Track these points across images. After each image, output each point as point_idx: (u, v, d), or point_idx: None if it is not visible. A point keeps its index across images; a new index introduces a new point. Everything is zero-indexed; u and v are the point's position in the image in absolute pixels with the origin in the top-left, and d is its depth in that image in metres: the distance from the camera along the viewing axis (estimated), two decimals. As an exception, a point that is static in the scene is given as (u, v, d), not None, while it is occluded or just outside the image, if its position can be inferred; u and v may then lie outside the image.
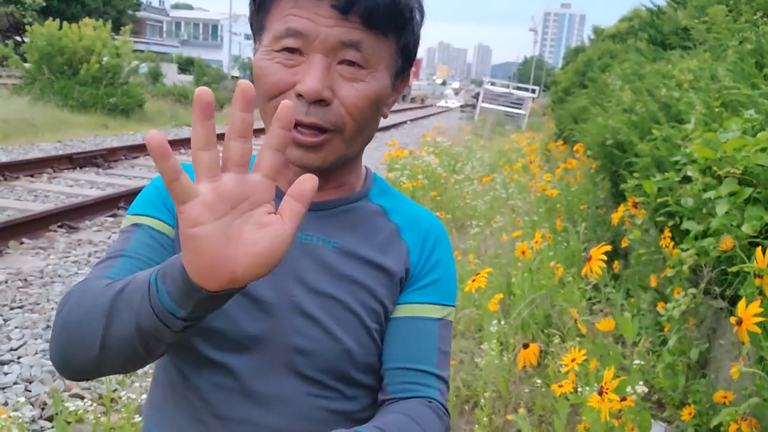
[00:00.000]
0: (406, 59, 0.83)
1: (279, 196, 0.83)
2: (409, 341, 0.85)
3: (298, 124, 0.76)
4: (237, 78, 28.05)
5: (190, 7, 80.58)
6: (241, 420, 0.81)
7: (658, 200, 2.76)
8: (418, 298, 0.86)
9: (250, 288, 0.80)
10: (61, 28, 13.79)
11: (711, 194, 2.03)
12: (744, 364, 1.97)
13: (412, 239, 0.88)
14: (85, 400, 2.00)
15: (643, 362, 2.47)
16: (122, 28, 15.04)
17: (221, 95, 20.28)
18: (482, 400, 2.56)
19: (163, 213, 0.85)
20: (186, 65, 30.78)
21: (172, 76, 23.11)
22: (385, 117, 0.85)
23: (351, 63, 0.76)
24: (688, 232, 2.58)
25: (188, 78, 24.80)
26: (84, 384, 2.68)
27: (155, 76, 20.19)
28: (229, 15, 42.64)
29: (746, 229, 1.87)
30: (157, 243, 0.83)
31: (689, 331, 2.75)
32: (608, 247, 2.30)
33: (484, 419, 2.49)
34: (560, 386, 2.16)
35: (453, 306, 0.89)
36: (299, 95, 0.75)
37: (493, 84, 25.60)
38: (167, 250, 0.83)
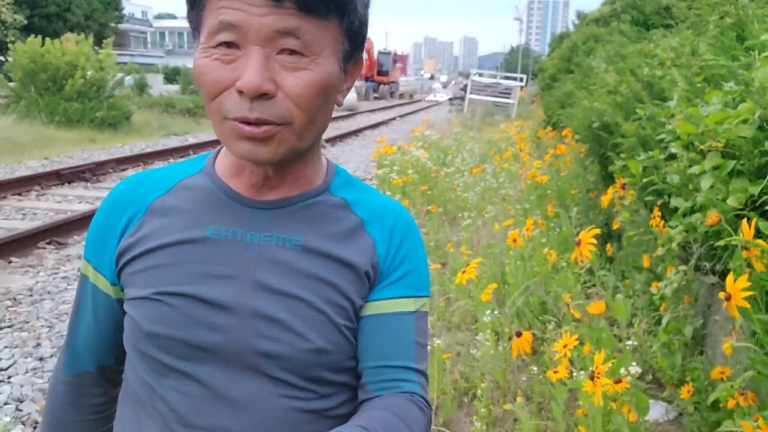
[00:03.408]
0: (353, 42, 0.78)
1: (239, 201, 0.83)
2: (386, 338, 0.83)
3: (244, 121, 0.72)
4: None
5: (173, 17, 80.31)
6: (212, 428, 0.79)
7: (645, 179, 2.74)
8: (391, 293, 0.84)
9: (207, 295, 0.79)
10: (43, 44, 13.71)
11: (695, 169, 2.00)
12: (737, 339, 1.95)
13: (377, 233, 0.85)
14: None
15: (637, 343, 2.44)
16: (105, 41, 14.96)
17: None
18: (480, 391, 2.54)
19: (103, 263, 0.86)
20: (172, 75, 30.67)
21: (158, 86, 23.02)
22: (339, 105, 0.81)
23: (291, 51, 0.72)
24: (677, 209, 2.56)
25: (175, 87, 24.69)
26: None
27: (141, 87, 20.10)
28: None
29: (732, 202, 1.85)
30: (100, 309, 0.88)
31: (684, 309, 2.73)
32: (597, 231, 2.28)
33: (483, 410, 2.46)
34: (555, 372, 2.14)
35: (427, 296, 0.87)
36: (240, 91, 0.71)
37: (480, 75, 25.53)
38: (112, 311, 0.88)
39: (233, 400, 0.78)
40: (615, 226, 3.84)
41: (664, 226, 2.82)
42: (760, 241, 1.48)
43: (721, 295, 1.44)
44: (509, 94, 21.58)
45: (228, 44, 0.72)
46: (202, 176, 0.86)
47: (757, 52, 2.27)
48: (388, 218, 0.87)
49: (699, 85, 2.93)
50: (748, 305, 1.37)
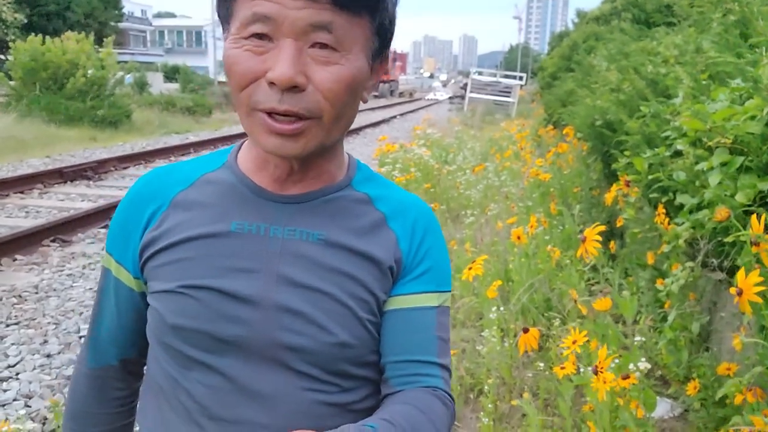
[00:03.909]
0: (382, 39, 0.79)
1: (262, 195, 0.83)
2: (409, 333, 0.83)
3: (272, 113, 0.73)
4: (223, 83, 27.96)
5: (173, 15, 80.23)
6: (236, 420, 0.79)
7: (650, 177, 2.75)
8: (414, 288, 0.84)
9: (231, 288, 0.79)
10: (44, 43, 13.71)
11: (703, 166, 2.01)
12: (745, 334, 1.95)
13: (400, 228, 0.86)
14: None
15: (645, 339, 2.45)
16: (105, 39, 14.95)
17: (208, 101, 20.23)
18: (486, 387, 2.55)
19: (126, 256, 0.86)
20: (172, 73, 30.64)
21: (158, 84, 22.98)
22: (365, 102, 0.82)
23: (323, 46, 0.72)
24: (682, 206, 2.57)
25: (175, 86, 24.67)
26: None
27: (141, 85, 20.08)
28: (212, 20, 42.51)
29: (740, 198, 1.86)
30: (123, 302, 0.89)
31: (690, 305, 2.73)
32: (602, 227, 2.28)
33: (489, 406, 2.47)
34: (562, 368, 2.15)
35: (449, 291, 0.88)
36: (271, 83, 0.72)
37: (480, 74, 25.51)
38: (135, 304, 0.88)
39: (257, 393, 0.79)
40: (619, 224, 3.85)
41: (669, 223, 2.83)
42: (770, 237, 1.48)
43: (733, 290, 1.45)
44: (509, 92, 21.57)
45: (260, 36, 0.72)
46: (224, 171, 0.86)
47: (764, 49, 2.27)
48: (410, 213, 0.87)
49: (704, 82, 2.94)
50: (760, 300, 1.37)
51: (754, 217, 1.54)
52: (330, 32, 0.72)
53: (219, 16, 0.79)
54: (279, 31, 0.72)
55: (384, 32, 0.78)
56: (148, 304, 0.86)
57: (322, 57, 0.73)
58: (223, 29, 0.79)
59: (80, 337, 3.43)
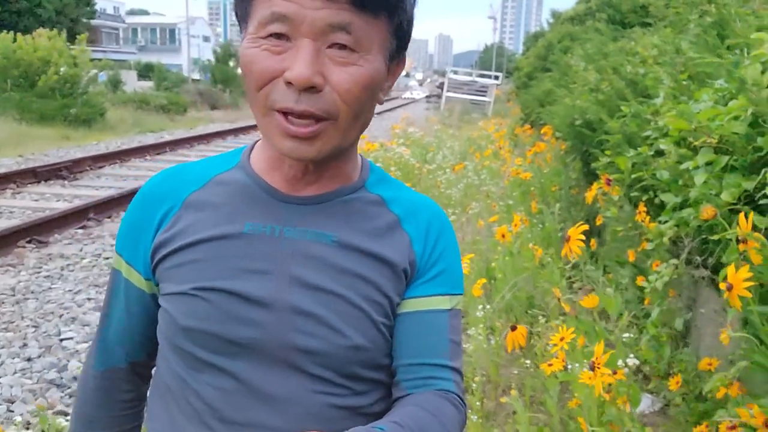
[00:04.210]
0: (400, 40, 0.78)
1: (276, 196, 0.83)
2: (422, 336, 0.83)
3: (289, 113, 0.73)
4: (198, 81, 27.70)
5: (145, 13, 79.15)
6: (248, 423, 0.79)
7: (633, 176, 2.79)
8: (427, 291, 0.84)
9: (244, 290, 0.79)
10: (15, 40, 13.43)
11: (688, 165, 2.05)
12: (723, 330, 1.99)
13: (414, 230, 0.85)
14: (68, 418, 1.94)
15: (634, 335, 2.49)
16: (78, 37, 14.70)
17: (183, 99, 20.01)
18: (473, 385, 2.56)
19: (137, 257, 0.86)
20: (145, 71, 30.26)
21: (132, 83, 22.69)
22: (381, 103, 0.81)
23: (342, 46, 0.72)
24: (662, 205, 2.61)
25: (149, 84, 24.37)
26: (68, 400, 2.62)
27: (115, 84, 19.80)
28: (186, 18, 42.05)
29: (725, 196, 1.89)
30: (133, 304, 0.88)
31: (670, 302, 2.78)
32: (586, 227, 2.31)
33: (477, 403, 2.49)
34: (550, 365, 2.17)
35: (461, 294, 0.87)
36: (288, 83, 0.71)
37: (456, 73, 25.63)
38: (145, 306, 0.88)
39: (269, 396, 0.78)
40: (598, 222, 3.90)
41: (650, 222, 2.88)
42: (758, 235, 1.52)
43: (722, 285, 1.48)
44: (485, 92, 21.71)
45: (278, 35, 0.72)
46: (237, 171, 0.86)
47: (745, 50, 2.32)
48: (424, 216, 0.87)
49: (684, 82, 2.99)
50: (750, 295, 1.40)
51: (741, 215, 1.57)
52: (349, 33, 0.71)
53: (236, 15, 0.79)
54: (297, 31, 0.71)
55: (402, 33, 0.78)
56: (159, 306, 0.85)
57: (340, 58, 0.72)
58: (240, 28, 0.79)
59: (61, 341, 3.38)
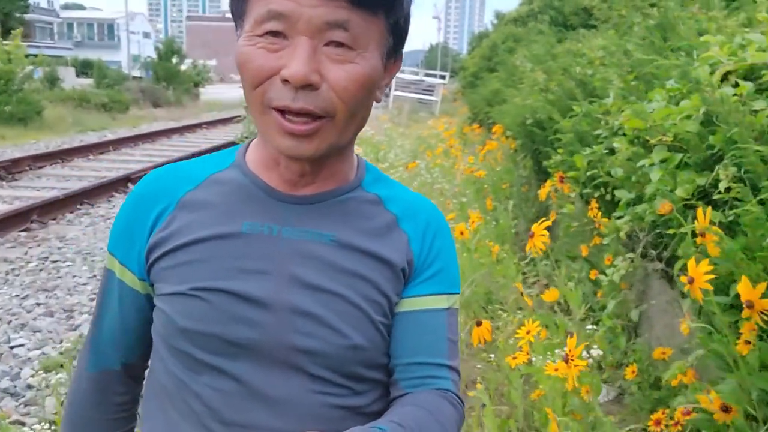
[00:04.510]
0: (397, 38, 0.78)
1: (274, 196, 0.82)
2: (420, 335, 0.83)
3: (286, 111, 0.72)
4: (139, 78, 26.95)
5: (81, 7, 76.54)
6: (248, 424, 0.78)
7: (589, 173, 2.88)
8: (425, 290, 0.84)
9: (243, 291, 0.78)
10: (-58, 34, 12.80)
11: (644, 162, 2.13)
12: (683, 320, 2.09)
13: (412, 229, 0.85)
14: (25, 428, 1.89)
15: (593, 327, 2.57)
16: (12, 31, 14.10)
17: (125, 97, 19.44)
18: (438, 381, 2.59)
19: (131, 257, 0.84)
20: (84, 68, 29.26)
21: (70, 80, 21.88)
22: (378, 101, 0.81)
23: (339, 44, 0.72)
24: (614, 201, 2.71)
25: (88, 81, 23.56)
26: (23, 409, 2.53)
27: (52, 80, 19.07)
28: (125, 13, 40.88)
29: (680, 192, 1.98)
30: (127, 305, 0.87)
31: (623, 295, 2.89)
32: (549, 222, 2.38)
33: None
34: (514, 358, 2.22)
35: (458, 293, 0.88)
36: (285, 81, 0.71)
37: (402, 72, 25.78)
38: (139, 307, 0.86)
39: (269, 397, 0.78)
40: (552, 218, 4.00)
41: (602, 217, 2.98)
42: (716, 228, 1.60)
43: (683, 279, 1.55)
44: (432, 91, 21.90)
45: (275, 33, 0.72)
46: (233, 170, 0.85)
47: (694, 53, 2.43)
48: (421, 214, 0.87)
49: (633, 83, 3.11)
50: (711, 287, 1.48)
51: (700, 210, 1.65)
52: (346, 30, 0.71)
53: (232, 12, 0.78)
54: (294, 28, 0.71)
55: (399, 31, 0.78)
56: (153, 307, 0.84)
57: (337, 55, 0.72)
58: (236, 26, 0.78)
59: (11, 347, 3.25)
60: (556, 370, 1.87)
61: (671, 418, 1.88)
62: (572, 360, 1.68)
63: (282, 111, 0.73)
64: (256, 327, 0.78)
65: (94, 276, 4.43)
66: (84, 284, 4.29)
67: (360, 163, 0.88)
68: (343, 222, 0.82)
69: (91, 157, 10.01)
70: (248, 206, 0.82)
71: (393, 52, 0.79)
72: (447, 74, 28.20)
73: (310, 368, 0.78)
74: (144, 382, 0.92)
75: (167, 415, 0.82)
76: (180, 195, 0.83)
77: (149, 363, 0.89)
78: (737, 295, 1.44)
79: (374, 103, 0.80)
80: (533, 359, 2.26)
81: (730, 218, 1.75)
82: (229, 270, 0.79)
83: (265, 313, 0.78)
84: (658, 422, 1.94)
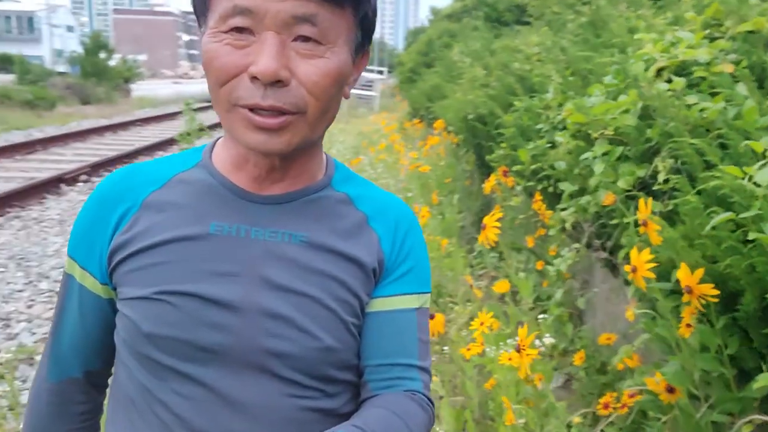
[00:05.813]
0: (365, 32, 0.77)
1: (242, 196, 0.80)
2: (390, 335, 0.82)
3: (255, 108, 0.71)
4: (64, 74, 25.87)
5: (-2, 0, 72.79)
6: (218, 431, 0.77)
7: (533, 166, 2.97)
8: (395, 290, 0.83)
9: (212, 294, 0.76)
10: None
11: (588, 155, 2.21)
12: (624, 308, 2.19)
13: (382, 228, 0.84)
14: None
15: (545, 317, 2.66)
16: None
17: (50, 93, 18.65)
18: (393, 375, 2.63)
19: (92, 260, 0.82)
20: (2, 63, 27.86)
21: (-11, 76, 20.83)
22: (347, 97, 0.80)
23: (307, 39, 0.70)
24: (556, 194, 2.80)
25: (9, 77, 22.46)
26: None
27: (-31, 77, 18.10)
28: (45, 5, 39.16)
29: (621, 184, 2.07)
30: (88, 310, 0.84)
31: (568, 284, 3.00)
32: (500, 214, 2.45)
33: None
34: (468, 350, 2.28)
35: (429, 292, 0.87)
36: (254, 78, 0.69)
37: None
38: (101, 312, 0.84)
39: (240, 402, 0.76)
40: (497, 210, 4.09)
41: (546, 209, 3.08)
42: (657, 218, 1.68)
43: (627, 268, 1.63)
44: (371, 86, 21.92)
45: (241, 29, 0.70)
46: (199, 170, 0.83)
47: (628, 50, 2.55)
48: (392, 213, 0.86)
49: (570, 78, 3.22)
50: (653, 276, 1.55)
51: (642, 201, 1.73)
52: (314, 25, 0.70)
53: (194, 8, 0.76)
54: (261, 24, 0.69)
55: (367, 25, 0.77)
56: (116, 312, 0.81)
57: (305, 50, 0.71)
58: (198, 23, 0.77)
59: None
60: (510, 359, 1.93)
61: (618, 401, 1.97)
62: (524, 349, 1.73)
63: (251, 109, 0.71)
64: (226, 331, 0.76)
65: (31, 282, 4.25)
66: (20, 291, 4.12)
67: (329, 162, 0.87)
68: (313, 222, 0.81)
69: (18, 157, 9.55)
70: (216, 207, 0.80)
71: (361, 47, 0.78)
72: (385, 69, 28.31)
73: (282, 371, 0.77)
74: (107, 390, 0.90)
75: (134, 426, 0.80)
76: (144, 196, 0.81)
77: (113, 370, 0.87)
78: (678, 281, 1.52)
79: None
80: (487, 350, 2.33)
81: (670, 208, 1.84)
82: (196, 272, 0.77)
83: (235, 316, 0.76)
84: (606, 405, 2.02)
